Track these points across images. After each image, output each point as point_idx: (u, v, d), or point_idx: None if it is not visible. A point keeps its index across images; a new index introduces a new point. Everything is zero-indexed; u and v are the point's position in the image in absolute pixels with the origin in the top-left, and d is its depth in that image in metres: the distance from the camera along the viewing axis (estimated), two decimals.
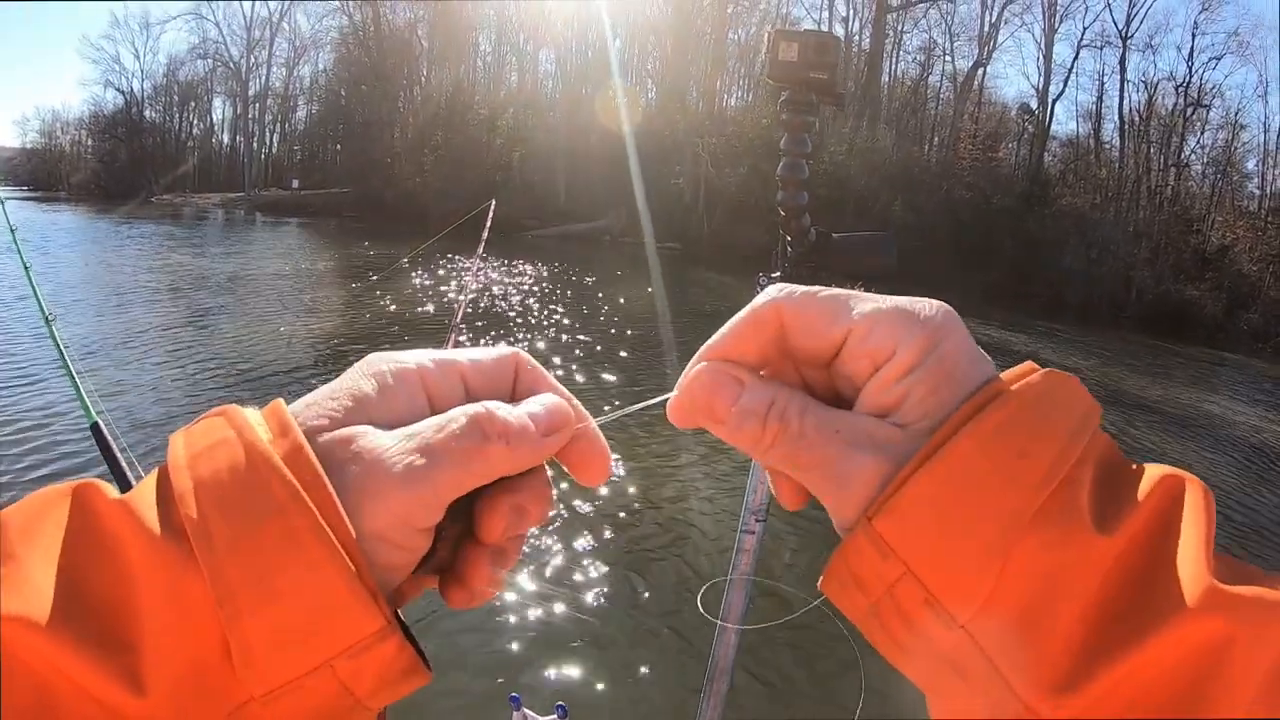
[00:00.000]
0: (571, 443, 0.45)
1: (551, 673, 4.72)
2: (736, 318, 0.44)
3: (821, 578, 0.43)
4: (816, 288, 0.44)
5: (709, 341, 0.45)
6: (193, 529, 0.35)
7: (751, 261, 1.68)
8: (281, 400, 0.42)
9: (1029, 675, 0.35)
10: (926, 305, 0.42)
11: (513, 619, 5.23)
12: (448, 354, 0.45)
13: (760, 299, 0.44)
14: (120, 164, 56.50)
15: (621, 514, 6.87)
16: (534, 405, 0.44)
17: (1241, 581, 0.34)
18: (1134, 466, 0.41)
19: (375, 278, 18.85)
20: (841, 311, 0.42)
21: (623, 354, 13.40)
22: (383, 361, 0.44)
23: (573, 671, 4.73)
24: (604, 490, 7.17)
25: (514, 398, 0.46)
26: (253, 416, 0.40)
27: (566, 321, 16.12)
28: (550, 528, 6.29)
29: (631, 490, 7.40)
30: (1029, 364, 0.42)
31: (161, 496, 0.37)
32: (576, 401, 0.47)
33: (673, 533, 6.58)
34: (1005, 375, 0.42)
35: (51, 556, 0.35)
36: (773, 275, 1.59)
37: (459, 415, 0.41)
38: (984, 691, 0.37)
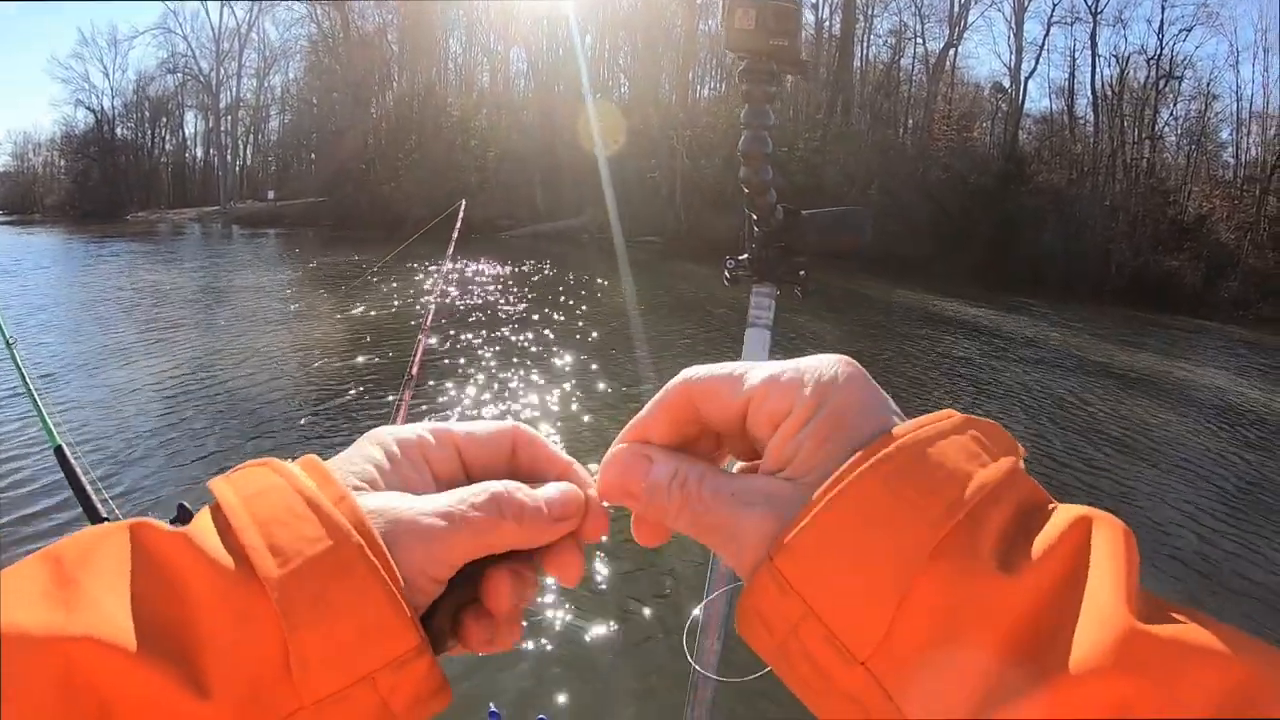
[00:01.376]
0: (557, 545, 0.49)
1: (532, 685, 4.67)
2: (652, 401, 0.49)
3: (735, 618, 0.44)
4: (722, 364, 0.47)
5: (628, 424, 0.49)
6: (256, 556, 0.39)
7: (730, 250, 1.59)
8: (315, 456, 0.46)
9: (924, 711, 0.35)
10: (824, 363, 0.44)
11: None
12: (444, 426, 0.50)
13: (670, 383, 0.48)
14: (94, 183, 56.43)
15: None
16: (551, 490, 0.48)
17: (1165, 621, 0.34)
18: (1050, 508, 0.41)
19: (346, 289, 18.76)
20: (740, 382, 0.45)
21: (591, 352, 13.40)
22: (387, 435, 0.49)
23: (553, 683, 4.68)
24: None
25: (514, 467, 0.51)
26: (294, 468, 0.44)
27: (537, 319, 16.14)
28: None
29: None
30: (947, 411, 0.43)
31: (220, 529, 0.41)
32: (585, 474, 0.52)
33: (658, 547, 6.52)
34: (917, 420, 0.42)
35: (111, 582, 0.38)
36: (740, 257, 1.52)
37: (482, 491, 0.46)
38: None
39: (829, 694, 0.39)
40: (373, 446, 0.48)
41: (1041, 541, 0.38)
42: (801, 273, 1.50)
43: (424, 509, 0.44)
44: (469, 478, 0.50)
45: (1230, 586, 6.80)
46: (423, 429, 0.50)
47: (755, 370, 0.45)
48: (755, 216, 1.48)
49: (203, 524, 0.42)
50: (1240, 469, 10.38)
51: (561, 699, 4.55)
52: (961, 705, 0.34)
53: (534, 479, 0.50)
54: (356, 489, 0.45)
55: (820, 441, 0.42)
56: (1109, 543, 0.37)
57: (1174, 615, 0.34)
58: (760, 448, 0.46)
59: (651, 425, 0.48)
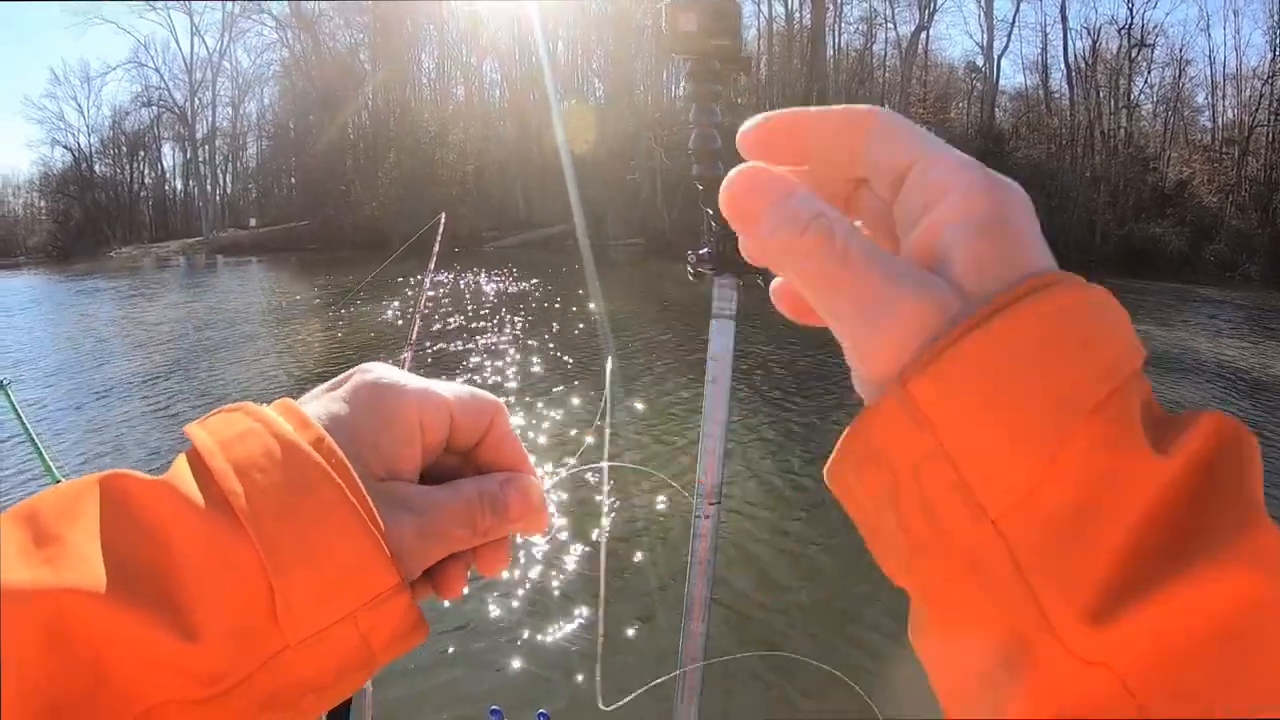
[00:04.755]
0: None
1: (531, 683, 4.72)
2: (827, 109, 0.39)
3: (829, 462, 0.38)
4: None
5: (781, 116, 0.40)
6: (238, 502, 0.39)
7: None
8: (290, 399, 0.46)
9: (1062, 593, 0.30)
10: (991, 168, 0.37)
11: (492, 633, 5.23)
12: (439, 396, 0.49)
13: (855, 108, 0.39)
14: (75, 222, 56.14)
15: (601, 526, 6.86)
16: (514, 495, 0.49)
17: None
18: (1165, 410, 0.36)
19: (334, 309, 18.78)
20: (913, 140, 0.38)
21: (564, 355, 13.37)
22: (386, 388, 0.47)
23: (553, 682, 4.72)
24: (587, 505, 7.17)
25: (482, 443, 0.51)
26: (270, 411, 0.44)
27: (518, 329, 16.19)
28: (532, 544, 6.28)
29: (616, 501, 7.38)
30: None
31: (198, 475, 0.41)
32: (532, 471, 0.52)
33: (653, 535, 6.55)
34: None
35: (92, 534, 0.38)
36: (700, 252, 1.57)
37: (460, 507, 0.47)
38: (1001, 602, 0.32)
39: (934, 553, 0.34)
40: (364, 388, 0.47)
41: (1178, 428, 0.33)
42: None
43: (412, 525, 0.45)
44: (448, 447, 0.50)
45: None
46: (419, 393, 0.48)
47: (934, 138, 0.38)
48: (710, 211, 1.53)
49: (181, 470, 0.42)
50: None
51: (559, 696, 4.59)
52: (1103, 588, 0.30)
53: (494, 462, 0.51)
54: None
55: (991, 246, 0.34)
56: (1245, 447, 0.33)
57: None
58: (901, 230, 0.38)
59: (798, 143, 0.40)
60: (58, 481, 3.04)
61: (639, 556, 6.06)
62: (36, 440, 3.41)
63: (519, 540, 6.43)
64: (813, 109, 0.39)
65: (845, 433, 0.36)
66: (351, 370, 0.49)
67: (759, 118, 0.39)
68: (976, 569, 0.32)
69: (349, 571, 0.40)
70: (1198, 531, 0.30)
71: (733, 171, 0.37)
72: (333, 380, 0.49)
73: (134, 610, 0.36)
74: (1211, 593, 0.29)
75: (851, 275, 0.34)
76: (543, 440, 8.93)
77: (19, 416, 3.61)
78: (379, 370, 0.49)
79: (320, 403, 0.47)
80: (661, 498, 6.97)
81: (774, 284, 0.43)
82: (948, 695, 0.36)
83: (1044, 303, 0.32)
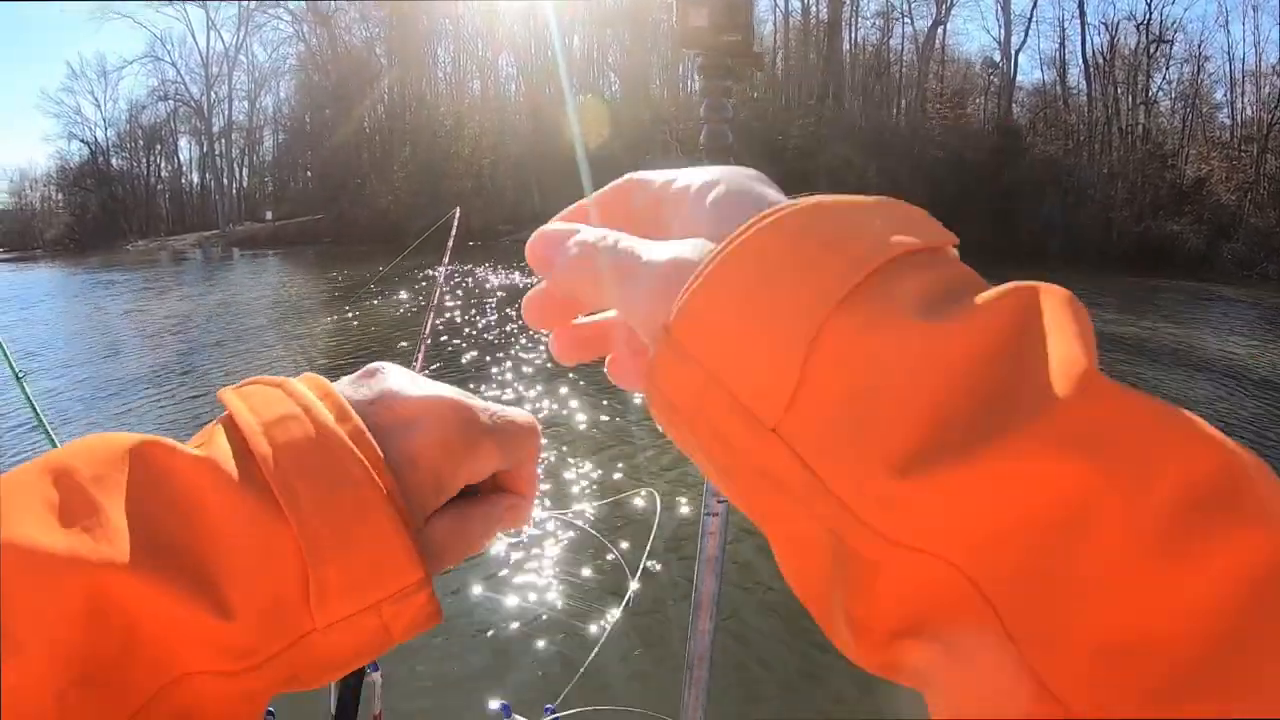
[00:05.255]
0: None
1: (539, 678, 4.76)
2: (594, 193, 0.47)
3: (647, 403, 0.39)
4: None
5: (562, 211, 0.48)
6: (281, 489, 0.40)
7: None
8: (325, 380, 0.47)
9: (851, 480, 0.30)
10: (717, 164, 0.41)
11: (499, 628, 5.25)
12: (476, 405, 0.50)
13: (617, 180, 0.46)
14: (92, 215, 56.34)
15: (606, 514, 6.87)
16: (520, 516, 0.52)
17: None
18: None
19: (349, 302, 18.82)
20: (666, 174, 0.43)
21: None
22: (463, 424, 0.48)
23: (560, 675, 4.73)
24: (588, 489, 7.18)
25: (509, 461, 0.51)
26: (310, 394, 0.45)
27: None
28: (537, 536, 6.29)
29: (621, 486, 7.39)
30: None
31: (238, 454, 0.42)
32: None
33: (658, 527, 6.55)
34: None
35: (128, 504, 0.39)
36: None
37: (483, 521, 0.50)
38: (806, 504, 0.31)
39: (744, 475, 0.34)
40: (391, 393, 0.48)
41: (980, 298, 0.32)
42: None
43: (446, 527, 0.48)
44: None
45: None
46: (491, 439, 0.49)
47: (689, 170, 0.42)
48: None
49: (220, 444, 0.42)
50: (1255, 428, 10.39)
51: (568, 690, 4.60)
52: (881, 465, 0.29)
53: (510, 482, 0.52)
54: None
55: (730, 203, 0.38)
56: (1059, 308, 0.32)
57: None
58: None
59: (587, 208, 0.47)
60: None
61: (653, 555, 6.07)
62: (51, 432, 3.42)
63: (526, 541, 6.48)
64: (573, 206, 0.48)
65: (646, 391, 0.38)
66: (373, 366, 0.50)
67: (537, 232, 0.45)
68: (776, 480, 0.32)
69: (379, 565, 0.41)
70: (1000, 402, 0.29)
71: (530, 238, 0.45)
72: (357, 375, 0.49)
73: (172, 586, 0.37)
74: (1018, 470, 0.27)
75: (618, 257, 0.39)
76: (555, 431, 8.94)
77: (34, 409, 3.62)
78: (396, 376, 0.49)
79: (350, 390, 0.47)
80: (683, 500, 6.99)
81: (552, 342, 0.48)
82: (817, 615, 0.36)
83: (772, 224, 0.34)
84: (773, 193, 0.39)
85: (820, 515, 0.31)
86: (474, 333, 15.15)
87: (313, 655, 0.41)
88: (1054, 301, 0.32)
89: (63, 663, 0.34)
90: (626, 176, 0.46)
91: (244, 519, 0.39)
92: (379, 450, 0.43)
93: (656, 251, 0.38)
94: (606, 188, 0.46)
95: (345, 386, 0.48)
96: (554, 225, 0.45)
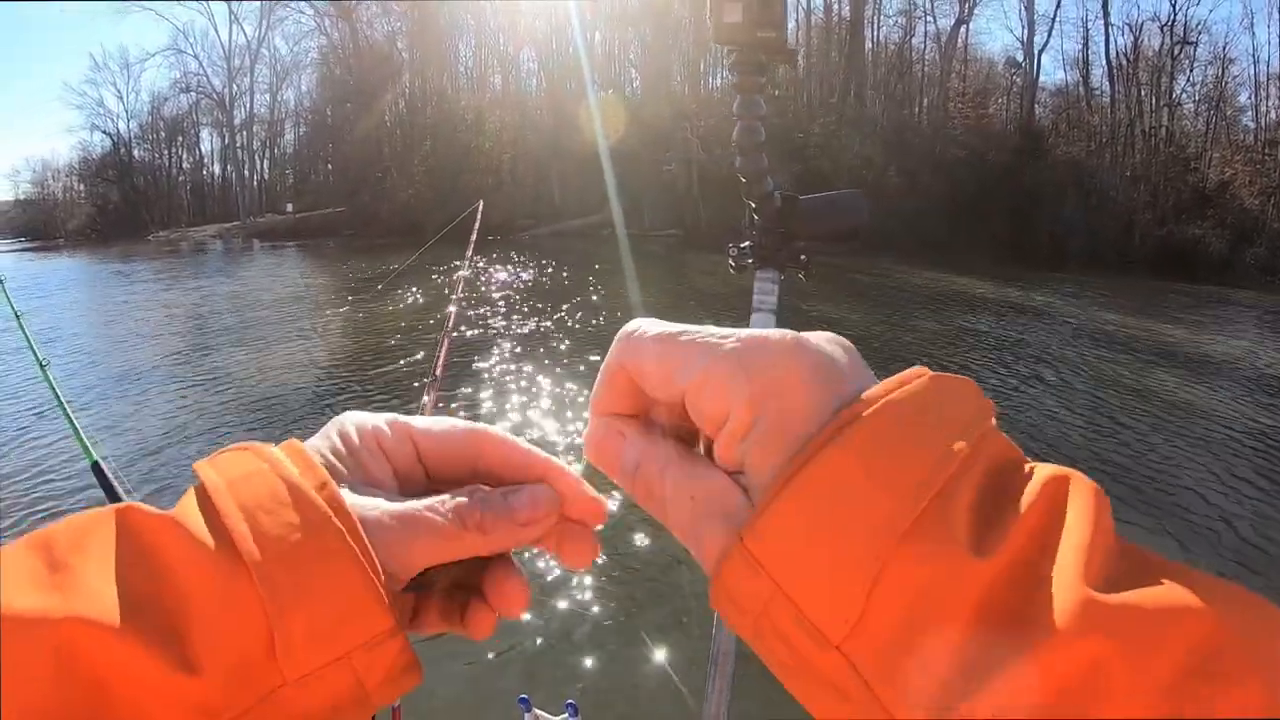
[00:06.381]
0: (560, 532, 0.51)
1: (560, 672, 4.76)
2: (601, 371, 0.48)
3: (710, 594, 0.42)
4: (658, 332, 0.45)
5: (594, 390, 0.49)
6: (241, 541, 0.40)
7: (741, 238, 1.65)
8: (296, 440, 0.47)
9: (905, 700, 0.34)
10: (766, 353, 0.42)
11: (519, 621, 5.25)
12: (403, 420, 0.51)
13: (611, 354, 0.47)
14: (114, 206, 56.89)
15: (622, 508, 6.88)
16: (521, 496, 0.48)
17: (1139, 580, 0.33)
18: (1026, 469, 0.39)
19: (369, 295, 18.91)
20: (675, 371, 0.43)
21: (599, 348, 13.42)
22: (349, 421, 0.50)
23: (581, 669, 4.74)
24: (609, 481, 7.20)
25: (484, 471, 0.51)
26: (278, 453, 0.45)
27: (555, 317, 16.28)
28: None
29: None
30: (918, 369, 0.41)
31: (205, 513, 0.42)
32: (563, 469, 0.51)
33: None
34: (886, 383, 0.40)
35: (100, 565, 0.39)
36: (742, 246, 1.56)
37: (448, 501, 0.46)
38: (862, 714, 0.36)
39: (806, 677, 0.38)
40: (335, 434, 0.49)
41: (1012, 512, 0.36)
42: (802, 257, 1.54)
43: (388, 509, 0.45)
44: (428, 477, 0.51)
45: (1268, 553, 6.74)
46: (381, 420, 0.50)
47: (693, 356, 0.43)
48: (753, 204, 1.52)
49: (188, 507, 0.43)
50: (1274, 437, 10.26)
51: (588, 684, 4.61)
52: (938, 690, 0.33)
53: (507, 482, 0.50)
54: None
55: (765, 454, 0.40)
56: (1079, 509, 0.36)
57: (1151, 572, 0.34)
58: (707, 441, 0.46)
59: (606, 400, 0.48)
60: (94, 462, 3.09)
61: (677, 548, 6.06)
62: (73, 419, 3.44)
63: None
64: (598, 380, 0.48)
65: (710, 582, 0.41)
66: (339, 419, 0.51)
67: (588, 443, 0.49)
68: (836, 688, 0.36)
69: (345, 614, 0.41)
70: (1029, 612, 0.33)
71: (586, 431, 0.49)
72: (325, 429, 0.50)
73: (139, 641, 0.37)
74: (1036, 672, 0.31)
75: (671, 514, 0.44)
76: (574, 429, 8.94)
77: (57, 396, 3.64)
78: (349, 414, 0.51)
79: (310, 443, 0.48)
80: None
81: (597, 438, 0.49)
82: None
83: (841, 443, 0.37)
84: (816, 401, 0.40)
85: None
86: (495, 326, 15.20)
87: (286, 711, 0.40)
88: (1077, 501, 0.37)
89: (35, 716, 0.35)
90: (618, 361, 0.47)
91: (208, 574, 0.39)
92: (344, 500, 0.43)
93: (701, 524, 0.43)
94: (606, 374, 0.48)
95: (316, 440, 0.49)
96: (599, 427, 0.48)
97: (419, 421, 0.51)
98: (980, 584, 0.34)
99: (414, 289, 19.19)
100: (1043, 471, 0.38)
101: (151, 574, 0.40)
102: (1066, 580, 0.33)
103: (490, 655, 4.88)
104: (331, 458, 0.48)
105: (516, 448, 0.51)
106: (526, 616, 5.30)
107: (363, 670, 0.41)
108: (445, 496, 0.47)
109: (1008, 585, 0.34)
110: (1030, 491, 0.37)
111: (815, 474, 0.37)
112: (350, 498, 0.45)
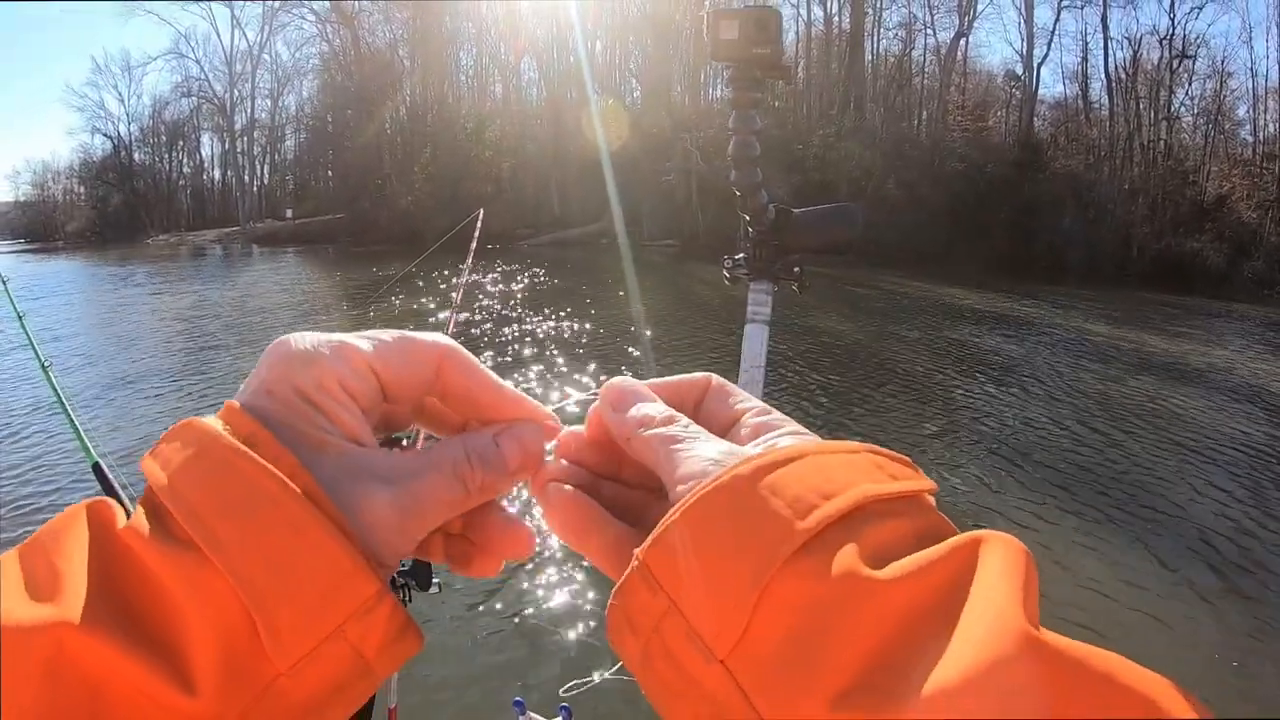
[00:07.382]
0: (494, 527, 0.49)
1: (554, 675, 4.73)
2: (589, 416, 0.51)
3: (607, 630, 0.42)
4: (663, 426, 0.46)
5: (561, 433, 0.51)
6: (199, 537, 0.37)
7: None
8: (235, 401, 0.43)
9: (780, 709, 0.34)
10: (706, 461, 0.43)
11: (514, 622, 5.28)
12: (354, 347, 0.45)
13: (600, 407, 0.49)
14: (114, 209, 56.99)
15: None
16: (512, 445, 0.47)
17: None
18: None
19: (368, 301, 18.89)
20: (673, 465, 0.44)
21: (603, 354, 13.60)
22: (298, 362, 0.44)
23: (575, 672, 4.75)
24: None
25: (441, 389, 0.48)
26: (216, 423, 0.41)
27: (553, 324, 16.36)
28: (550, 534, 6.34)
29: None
30: (855, 445, 0.42)
31: (154, 515, 0.39)
32: (537, 408, 0.50)
33: None
34: (832, 444, 0.42)
35: (81, 568, 0.37)
36: (736, 257, 1.59)
37: (446, 466, 0.45)
38: None
39: (688, 696, 0.38)
40: (287, 387, 0.43)
41: (924, 553, 0.36)
42: (796, 269, 1.57)
43: (386, 498, 0.42)
44: (386, 399, 0.47)
45: (1269, 569, 6.72)
46: (338, 358, 0.44)
47: (687, 459, 0.43)
48: (748, 217, 1.55)
49: (139, 514, 0.40)
50: (1272, 451, 10.25)
51: (583, 687, 4.62)
52: (812, 700, 0.32)
53: (467, 409, 0.49)
54: (279, 417, 0.42)
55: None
56: (1003, 560, 0.35)
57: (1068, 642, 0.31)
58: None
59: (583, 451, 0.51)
60: (95, 462, 3.11)
61: None
62: (75, 420, 3.46)
63: (543, 533, 6.47)
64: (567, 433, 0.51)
65: (608, 606, 0.42)
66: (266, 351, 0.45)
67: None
68: (718, 704, 0.36)
69: (327, 587, 0.38)
70: (939, 644, 0.32)
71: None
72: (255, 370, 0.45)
73: (129, 651, 0.35)
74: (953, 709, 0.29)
75: (555, 522, 0.47)
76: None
77: (59, 397, 3.66)
78: (293, 341, 0.45)
79: (255, 385, 0.44)
80: None
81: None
82: None
83: (750, 472, 0.38)
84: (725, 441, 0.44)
85: None
86: (495, 334, 15.22)
87: (287, 700, 0.38)
88: (997, 559, 0.35)
89: None
90: (626, 437, 0.47)
91: (180, 576, 0.37)
92: (293, 458, 0.40)
93: (594, 526, 0.46)
94: (588, 428, 0.50)
95: (259, 396, 0.43)
96: (558, 494, 0.48)
97: (374, 347, 0.46)
98: (876, 602, 0.34)
99: (413, 295, 19.20)
100: (966, 534, 0.37)
101: (126, 573, 0.38)
102: (998, 609, 0.32)
103: (485, 659, 4.90)
104: (287, 412, 0.43)
105: (485, 384, 0.48)
106: (521, 620, 5.31)
107: (357, 640, 0.40)
108: (444, 461, 0.45)
109: (910, 610, 0.33)
110: (948, 541, 0.36)
111: (716, 494, 0.38)
112: (340, 449, 0.43)
